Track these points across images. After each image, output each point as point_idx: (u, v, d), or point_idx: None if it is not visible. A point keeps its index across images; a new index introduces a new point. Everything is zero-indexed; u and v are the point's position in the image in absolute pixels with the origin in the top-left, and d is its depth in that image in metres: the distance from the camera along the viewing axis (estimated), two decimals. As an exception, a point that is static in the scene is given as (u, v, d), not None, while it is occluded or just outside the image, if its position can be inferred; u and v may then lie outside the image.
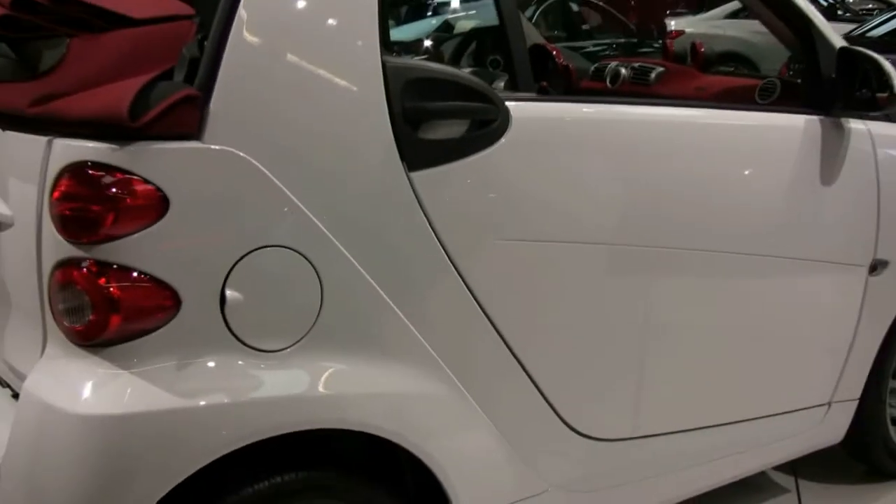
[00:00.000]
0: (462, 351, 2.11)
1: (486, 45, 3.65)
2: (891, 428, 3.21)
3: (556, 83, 3.14)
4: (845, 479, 3.29)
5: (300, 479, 1.94)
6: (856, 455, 3.26)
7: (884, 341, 3.01)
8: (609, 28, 9.30)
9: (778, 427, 2.84)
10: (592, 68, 3.50)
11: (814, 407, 2.91)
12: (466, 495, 2.11)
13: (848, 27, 8.79)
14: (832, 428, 3.01)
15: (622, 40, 8.76)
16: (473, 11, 7.43)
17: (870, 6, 13.57)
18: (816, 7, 9.76)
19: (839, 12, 13.39)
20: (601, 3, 9.44)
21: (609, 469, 2.47)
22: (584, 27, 8.94)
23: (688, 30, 9.58)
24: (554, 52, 3.43)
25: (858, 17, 11.48)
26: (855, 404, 3.01)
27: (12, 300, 2.03)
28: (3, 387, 2.17)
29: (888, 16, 8.47)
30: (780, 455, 2.96)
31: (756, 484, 3.21)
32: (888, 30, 7.95)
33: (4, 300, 2.07)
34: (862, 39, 7.65)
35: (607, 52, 8.11)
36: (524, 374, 2.22)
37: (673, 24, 10.40)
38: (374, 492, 2.03)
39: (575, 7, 9.04)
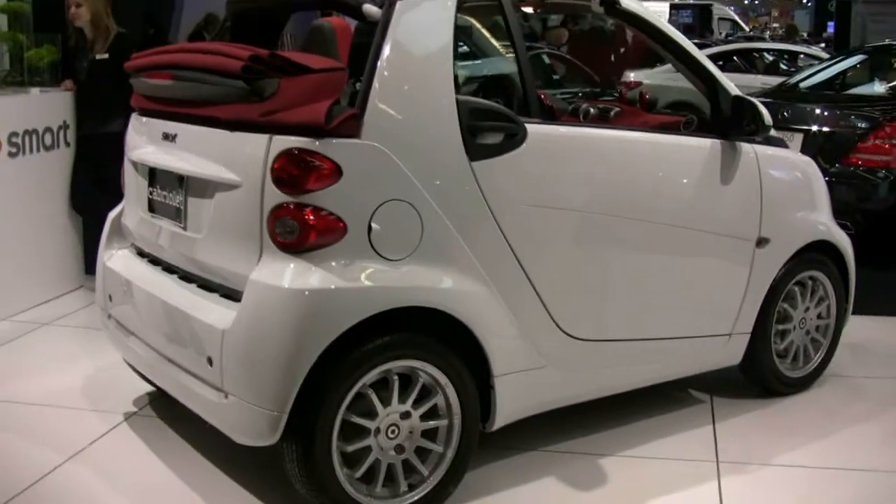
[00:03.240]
0: (496, 269, 3.50)
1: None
2: (777, 360, 4.62)
3: (545, 116, 4.54)
4: (746, 396, 4.64)
5: (405, 338, 3.31)
6: (751, 378, 4.64)
7: (767, 294, 4.43)
8: (575, 79, 10.77)
9: (697, 345, 4.26)
10: (571, 108, 4.90)
11: (720, 335, 4.32)
12: (498, 357, 3.48)
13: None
14: (733, 352, 4.41)
15: (587, 89, 10.22)
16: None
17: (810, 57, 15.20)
18: (761, 61, 11.34)
19: (782, 66, 15.06)
20: (569, 57, 10.96)
21: (585, 359, 3.85)
22: (555, 77, 10.40)
23: (644, 81, 11.10)
24: (542, 95, 4.84)
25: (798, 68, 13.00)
26: (748, 337, 4.42)
27: (230, 233, 3.36)
28: (212, 291, 3.52)
29: (816, 69, 9.78)
30: (698, 365, 4.37)
31: (680, 398, 4.61)
32: (815, 82, 9.26)
33: (219, 235, 3.41)
34: (795, 90, 9.02)
35: (574, 98, 9.50)
36: (532, 288, 3.62)
37: (632, 75, 11.93)
38: (445, 347, 3.40)
39: (547, 60, 10.52)
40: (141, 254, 4.08)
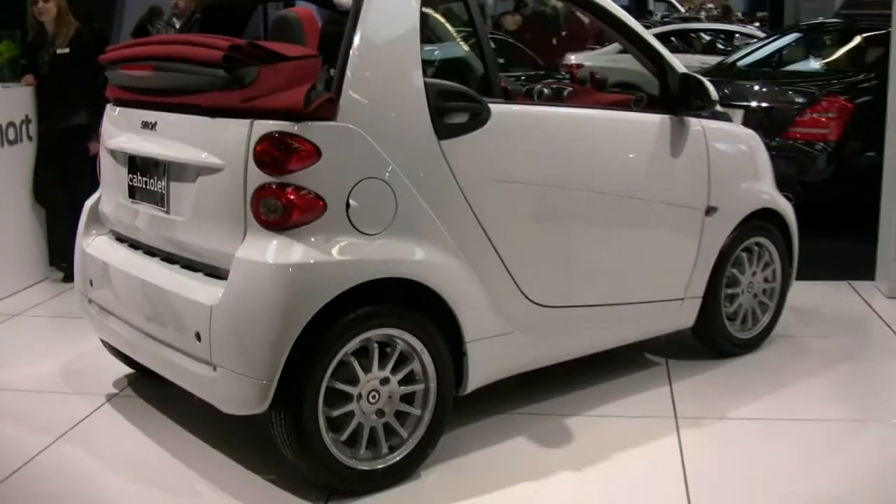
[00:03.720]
0: (466, 241, 3.71)
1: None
2: (727, 323, 4.89)
3: (506, 97, 4.74)
4: (700, 358, 4.90)
5: (383, 308, 3.52)
6: (703, 341, 4.91)
7: (716, 260, 4.69)
8: (521, 63, 11.03)
9: (652, 310, 4.51)
10: (525, 88, 5.12)
11: (674, 300, 4.58)
12: (469, 324, 3.70)
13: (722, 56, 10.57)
14: (686, 316, 4.67)
15: (532, 73, 10.49)
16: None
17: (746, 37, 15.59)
18: (698, 42, 11.67)
19: (719, 46, 15.44)
20: (515, 42, 11.22)
21: (548, 324, 4.08)
22: (500, 61, 10.66)
23: (585, 63, 11.39)
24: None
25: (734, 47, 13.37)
26: (700, 301, 4.68)
27: (214, 214, 3.53)
28: (195, 271, 3.70)
29: (753, 48, 10.12)
30: (655, 328, 4.65)
31: (638, 361, 4.87)
32: (752, 60, 9.59)
33: (202, 217, 3.59)
34: (734, 68, 9.34)
35: (524, 80, 9.77)
36: (499, 259, 3.83)
37: (573, 58, 12.22)
38: (421, 315, 3.60)
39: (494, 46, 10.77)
40: (120, 239, 4.23)
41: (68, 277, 6.40)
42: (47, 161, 6.51)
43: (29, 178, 6.49)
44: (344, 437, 3.50)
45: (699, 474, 3.69)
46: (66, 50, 6.39)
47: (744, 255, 4.87)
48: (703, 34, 16.54)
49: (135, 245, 4.11)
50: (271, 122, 3.34)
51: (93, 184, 4.50)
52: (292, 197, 3.31)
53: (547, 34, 11.56)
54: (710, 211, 4.59)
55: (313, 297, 3.33)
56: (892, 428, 4.19)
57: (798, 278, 5.32)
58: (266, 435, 3.55)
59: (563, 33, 13.23)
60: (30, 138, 6.46)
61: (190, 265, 3.73)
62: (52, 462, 3.90)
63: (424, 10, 3.72)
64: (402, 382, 3.60)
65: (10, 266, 6.34)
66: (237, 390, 3.39)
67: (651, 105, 4.54)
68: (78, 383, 4.72)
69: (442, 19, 6.96)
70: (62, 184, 6.54)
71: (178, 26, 9.62)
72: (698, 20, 25.28)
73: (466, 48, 6.16)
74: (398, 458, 3.62)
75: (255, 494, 3.61)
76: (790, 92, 7.99)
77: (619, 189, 4.24)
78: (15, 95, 6.40)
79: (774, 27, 17.43)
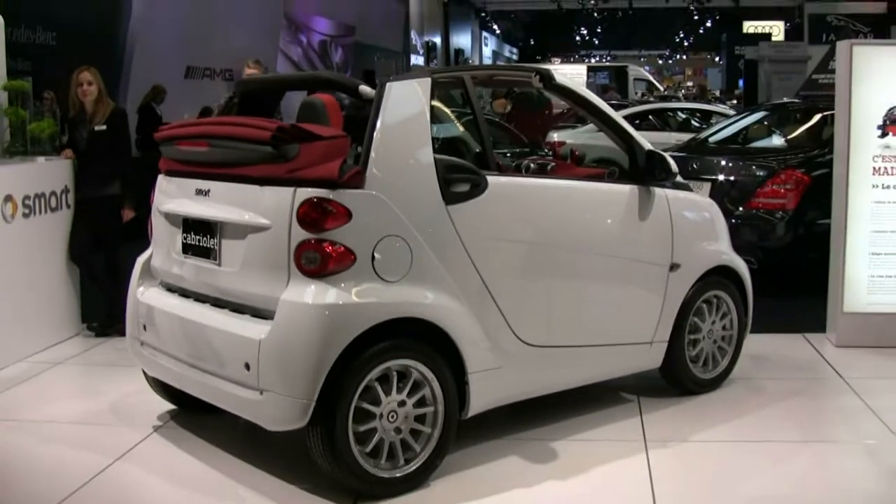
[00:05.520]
0: (467, 289, 4.47)
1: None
2: (690, 364, 5.64)
3: (500, 170, 5.49)
4: (666, 395, 5.63)
5: (401, 342, 4.26)
6: (669, 380, 5.65)
7: (680, 309, 5.45)
8: (507, 140, 11.89)
9: (625, 351, 5.26)
10: (514, 164, 5.91)
11: (643, 343, 5.33)
12: (471, 358, 4.44)
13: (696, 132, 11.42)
14: (654, 357, 5.42)
15: (517, 150, 11.34)
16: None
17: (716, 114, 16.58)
18: (673, 120, 12.63)
19: (694, 123, 16.41)
20: (501, 122, 12.10)
21: (536, 361, 4.81)
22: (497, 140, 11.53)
23: (567, 140, 12.26)
24: (492, 154, 5.86)
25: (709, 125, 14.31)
26: (666, 344, 5.44)
27: (261, 265, 4.28)
28: (242, 313, 4.43)
29: (722, 125, 10.95)
30: (627, 367, 5.38)
31: (613, 398, 5.60)
32: (721, 137, 10.41)
33: (251, 267, 4.33)
34: (704, 144, 10.13)
35: (510, 157, 10.59)
36: (495, 305, 4.59)
37: (555, 136, 13.10)
38: (432, 350, 4.34)
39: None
40: (170, 289, 4.96)
41: (100, 332, 7.13)
42: (83, 226, 7.22)
43: (65, 241, 7.20)
44: (368, 448, 4.22)
45: (664, 483, 4.42)
46: (104, 127, 7.13)
47: (704, 305, 5.63)
48: (678, 113, 17.57)
49: (184, 294, 4.83)
50: (311, 189, 4.12)
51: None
52: (329, 250, 4.08)
53: (532, 115, 12.44)
54: (673, 267, 5.37)
55: (346, 331, 4.08)
56: (830, 446, 4.99)
57: (756, 331, 6.12)
58: (296, 454, 4.31)
59: (546, 114, 14.18)
60: (68, 206, 7.19)
61: (237, 309, 4.46)
62: (112, 479, 4.58)
63: (432, 100, 4.52)
64: (415, 405, 4.33)
65: (47, 320, 7.03)
66: (281, 410, 4.11)
67: (622, 177, 5.33)
68: (125, 417, 5.41)
69: (446, 109, 7.79)
70: (95, 247, 7.27)
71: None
72: (676, 98, 26.42)
73: (467, 129, 6.98)
74: (412, 469, 4.34)
75: (293, 499, 4.31)
76: (753, 166, 8.73)
77: (595, 248, 5.02)
78: (56, 167, 7.14)
79: (749, 104, 18.47)
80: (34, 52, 12.17)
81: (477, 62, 41.54)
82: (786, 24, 37.86)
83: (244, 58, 9.42)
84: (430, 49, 35.13)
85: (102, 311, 7.24)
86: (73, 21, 12.84)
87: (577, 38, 51.10)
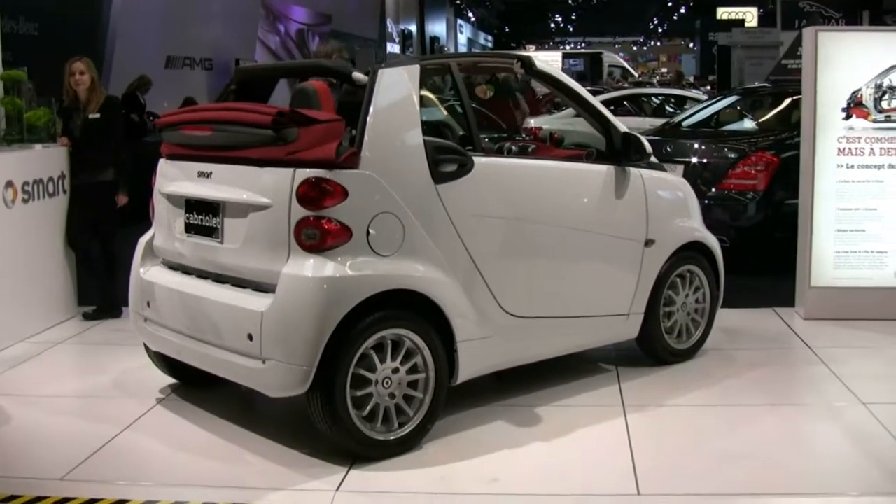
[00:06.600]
0: (456, 263, 4.76)
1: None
2: (665, 335, 5.95)
3: (485, 152, 5.75)
4: (643, 365, 5.95)
5: (395, 313, 4.54)
6: (646, 350, 5.96)
7: (655, 283, 5.76)
8: (486, 126, 12.19)
9: (603, 322, 5.57)
10: (496, 146, 6.19)
11: (620, 315, 5.64)
12: (459, 328, 4.73)
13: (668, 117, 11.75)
14: (631, 328, 5.73)
15: (496, 135, 11.65)
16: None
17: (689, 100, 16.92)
18: (648, 106, 12.99)
19: (668, 109, 16.76)
20: (482, 109, 12.39)
21: (520, 331, 5.11)
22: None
23: (544, 126, 12.56)
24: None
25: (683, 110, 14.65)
26: (642, 316, 5.74)
27: (263, 241, 4.54)
28: (244, 287, 4.70)
29: (695, 109, 11.25)
30: (605, 337, 5.71)
31: (593, 368, 5.91)
32: (694, 121, 10.70)
33: (253, 244, 4.60)
34: (678, 128, 10.44)
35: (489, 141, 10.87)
36: (482, 278, 4.88)
37: (532, 122, 13.40)
38: (423, 320, 4.62)
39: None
40: (172, 267, 5.22)
41: (93, 317, 7.37)
42: (79, 211, 7.45)
43: (62, 226, 7.43)
44: (364, 413, 4.50)
45: (641, 443, 4.73)
46: (97, 115, 7.35)
47: (678, 279, 5.94)
48: (653, 98, 17.91)
49: (186, 271, 5.10)
50: (309, 170, 4.39)
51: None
52: (327, 226, 4.35)
53: (513, 102, 12.75)
54: (648, 243, 5.68)
55: (343, 302, 4.36)
56: (797, 409, 5.34)
57: (728, 306, 6.45)
58: (295, 423, 4.62)
59: (526, 100, 14.49)
60: (64, 192, 7.42)
61: (239, 283, 4.72)
62: (121, 447, 4.84)
63: (420, 86, 4.80)
64: (408, 372, 4.61)
65: (45, 302, 7.26)
66: (283, 377, 4.39)
67: (599, 158, 5.63)
68: (129, 391, 5.67)
69: (433, 97, 8.07)
70: (91, 231, 7.50)
71: None
72: (651, 84, 26.79)
73: (454, 113, 7.27)
74: (406, 432, 4.63)
75: (294, 461, 4.59)
76: (725, 149, 9.05)
77: (574, 224, 5.32)
78: (52, 155, 7.37)
79: (722, 90, 18.84)
80: (16, 42, 12.32)
81: (452, 50, 41.81)
82: (759, 11, 38.26)
83: (225, 47, 9.51)
84: (405, 37, 35.37)
85: (97, 295, 7.48)
86: (55, 12, 13.00)
87: (552, 25, 51.48)
